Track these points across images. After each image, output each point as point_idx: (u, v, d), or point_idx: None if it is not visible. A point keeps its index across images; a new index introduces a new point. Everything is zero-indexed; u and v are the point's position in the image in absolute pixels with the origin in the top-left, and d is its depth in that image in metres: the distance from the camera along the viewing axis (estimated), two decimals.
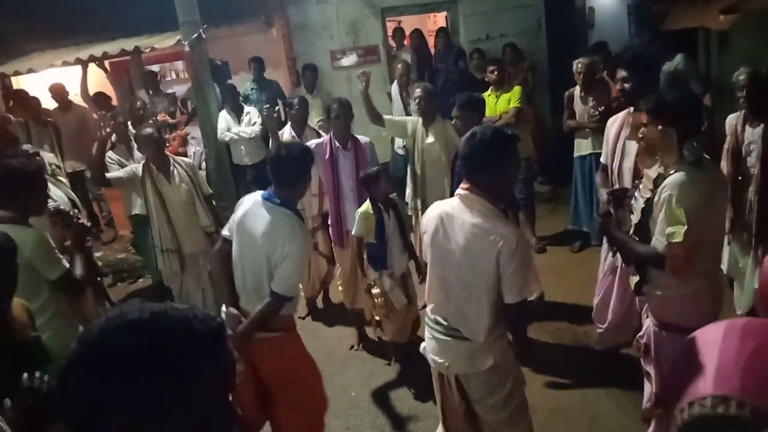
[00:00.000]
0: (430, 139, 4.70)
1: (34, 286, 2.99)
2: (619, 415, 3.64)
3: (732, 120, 4.01)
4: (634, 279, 2.96)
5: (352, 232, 4.28)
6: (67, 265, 3.12)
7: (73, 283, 3.15)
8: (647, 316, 2.95)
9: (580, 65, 5.52)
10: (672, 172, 2.66)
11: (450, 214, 2.58)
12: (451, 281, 2.61)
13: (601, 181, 3.86)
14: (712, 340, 1.45)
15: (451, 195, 2.84)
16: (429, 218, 2.69)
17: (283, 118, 6.97)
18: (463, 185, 2.58)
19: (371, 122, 4.86)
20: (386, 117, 5.00)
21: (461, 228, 2.52)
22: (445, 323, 2.66)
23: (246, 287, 3.10)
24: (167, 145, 6.40)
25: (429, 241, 2.67)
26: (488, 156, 2.48)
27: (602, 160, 3.99)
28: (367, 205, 4.17)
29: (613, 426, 3.58)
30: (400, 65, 6.97)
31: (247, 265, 3.07)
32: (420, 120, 4.77)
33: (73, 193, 4.59)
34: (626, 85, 3.56)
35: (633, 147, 3.56)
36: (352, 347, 4.83)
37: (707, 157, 2.77)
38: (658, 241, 2.67)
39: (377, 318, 4.31)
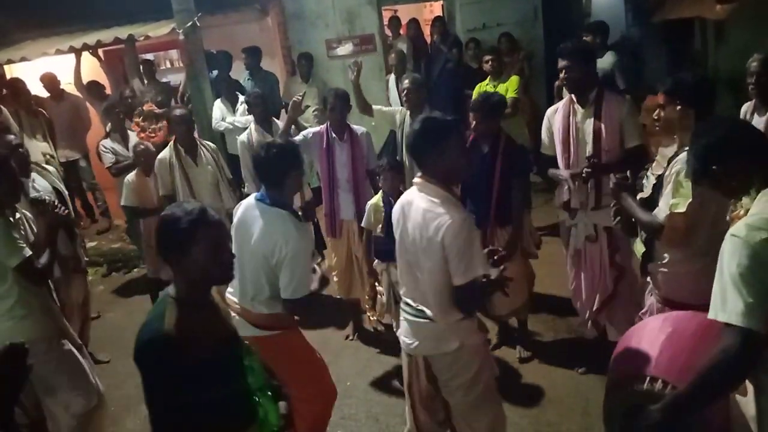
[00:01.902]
0: None
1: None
2: None
3: (744, 109, 4.01)
4: (640, 247, 3.02)
5: (362, 224, 4.28)
6: (28, 254, 3.08)
7: (33, 271, 3.12)
8: (650, 295, 3.02)
9: None
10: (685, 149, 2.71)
11: (409, 201, 2.69)
12: (413, 265, 2.69)
13: (555, 172, 3.82)
14: (642, 326, 1.82)
15: None
16: (396, 207, 2.80)
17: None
18: (418, 173, 2.71)
19: (359, 112, 4.84)
20: (375, 107, 5.00)
21: (416, 213, 2.62)
22: (414, 305, 2.74)
23: (246, 293, 3.06)
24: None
25: (396, 227, 2.78)
26: (427, 143, 2.60)
27: (544, 150, 3.91)
28: (377, 198, 4.18)
29: None
30: (394, 55, 6.93)
31: (246, 270, 3.01)
32: (408, 111, 4.75)
33: (60, 184, 4.53)
34: (570, 74, 3.57)
35: (588, 134, 3.57)
36: (347, 337, 4.84)
37: None
38: (660, 211, 2.77)
39: (371, 309, 4.33)
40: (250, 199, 3.12)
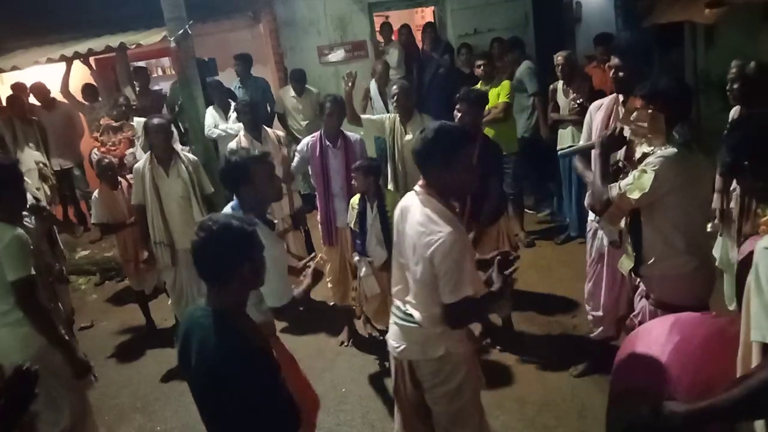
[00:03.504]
0: (409, 136, 4.69)
1: (3, 280, 2.99)
2: None
3: (732, 113, 4.03)
4: (627, 263, 3.03)
5: (347, 221, 4.42)
6: (31, 273, 3.03)
7: (28, 292, 3.05)
8: (640, 298, 3.02)
9: (559, 58, 5.60)
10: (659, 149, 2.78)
11: (407, 208, 2.65)
12: (406, 268, 2.67)
13: (583, 166, 3.83)
14: (644, 331, 1.73)
15: None
16: (396, 209, 2.76)
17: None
18: (420, 182, 2.64)
19: (348, 122, 4.84)
20: (363, 117, 5.04)
21: (411, 223, 2.59)
22: (403, 308, 2.72)
23: None
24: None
25: (395, 228, 2.76)
26: (437, 152, 2.52)
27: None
28: (356, 196, 4.34)
29: (602, 418, 3.52)
30: (380, 66, 6.90)
31: None
32: (397, 117, 4.77)
33: (35, 192, 4.51)
34: (620, 74, 3.56)
35: (627, 134, 3.56)
36: (342, 343, 4.83)
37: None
38: (615, 188, 2.83)
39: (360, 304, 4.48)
40: (228, 208, 3.07)
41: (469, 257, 2.59)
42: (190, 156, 4.93)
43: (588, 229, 3.92)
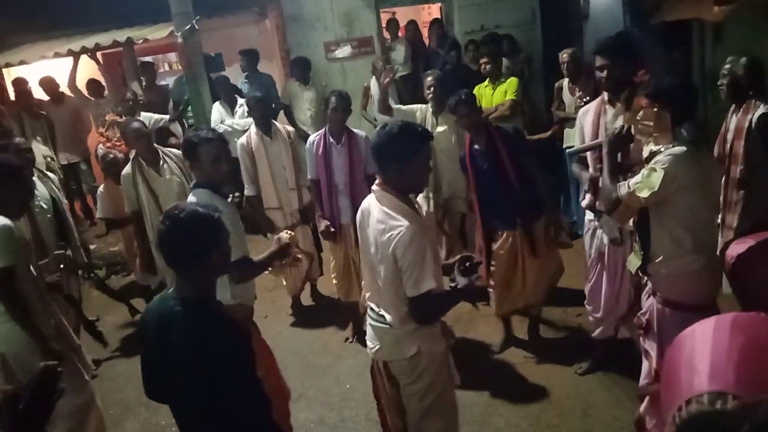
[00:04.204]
0: (441, 127, 4.73)
1: None
2: (613, 406, 3.66)
3: (732, 109, 4.04)
4: (635, 261, 3.02)
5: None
6: (9, 264, 3.06)
7: (3, 282, 3.08)
8: (648, 296, 3.02)
9: (565, 55, 5.58)
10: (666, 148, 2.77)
11: (367, 209, 2.68)
12: (373, 270, 2.68)
13: (579, 171, 3.84)
14: (702, 336, 1.44)
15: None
16: (358, 212, 2.78)
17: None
18: (377, 180, 2.67)
19: (380, 113, 4.86)
20: (395, 106, 5.06)
21: (372, 222, 2.61)
22: (376, 309, 2.74)
23: None
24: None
25: (358, 232, 2.79)
26: (395, 149, 2.54)
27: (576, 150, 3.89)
28: None
29: (607, 418, 3.60)
30: (380, 63, 6.89)
31: None
32: (429, 108, 4.79)
33: (59, 192, 4.51)
34: (606, 73, 3.51)
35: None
36: (347, 339, 4.84)
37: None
38: (623, 186, 2.82)
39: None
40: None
41: (431, 250, 2.59)
42: (174, 151, 4.88)
43: (586, 230, 3.91)
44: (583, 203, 3.83)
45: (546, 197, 4.15)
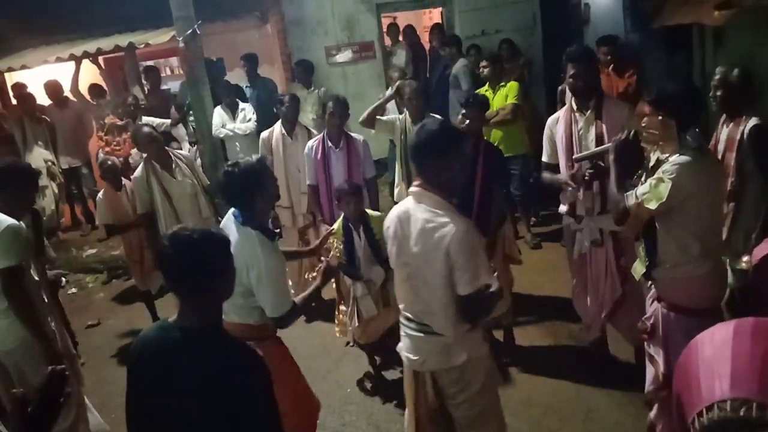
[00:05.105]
0: None
1: None
2: (615, 410, 3.65)
3: (723, 118, 4.02)
4: (640, 268, 3.02)
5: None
6: (18, 264, 3.07)
7: (13, 282, 3.09)
8: (652, 301, 3.01)
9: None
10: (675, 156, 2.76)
11: (406, 212, 2.62)
12: (414, 278, 2.63)
13: (551, 177, 3.83)
14: (722, 341, 1.41)
15: None
16: (389, 219, 2.73)
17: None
18: (415, 181, 2.64)
19: (363, 125, 4.83)
20: (378, 118, 5.02)
21: (415, 225, 2.56)
22: (416, 320, 2.69)
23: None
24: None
25: (391, 241, 2.71)
26: (435, 149, 2.54)
27: (546, 159, 3.90)
28: (338, 224, 4.08)
29: (608, 422, 3.59)
30: (396, 74, 6.87)
31: None
32: (407, 116, 4.76)
33: (41, 200, 4.56)
34: (574, 81, 3.59)
35: (591, 140, 3.60)
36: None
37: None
38: (631, 196, 2.80)
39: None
40: (230, 215, 3.00)
41: (481, 246, 2.60)
42: (183, 152, 4.99)
43: (570, 230, 3.92)
44: (561, 209, 3.86)
45: (498, 216, 4.09)
